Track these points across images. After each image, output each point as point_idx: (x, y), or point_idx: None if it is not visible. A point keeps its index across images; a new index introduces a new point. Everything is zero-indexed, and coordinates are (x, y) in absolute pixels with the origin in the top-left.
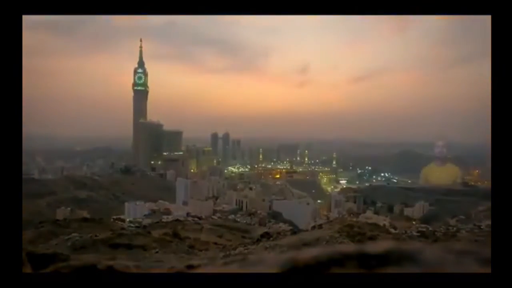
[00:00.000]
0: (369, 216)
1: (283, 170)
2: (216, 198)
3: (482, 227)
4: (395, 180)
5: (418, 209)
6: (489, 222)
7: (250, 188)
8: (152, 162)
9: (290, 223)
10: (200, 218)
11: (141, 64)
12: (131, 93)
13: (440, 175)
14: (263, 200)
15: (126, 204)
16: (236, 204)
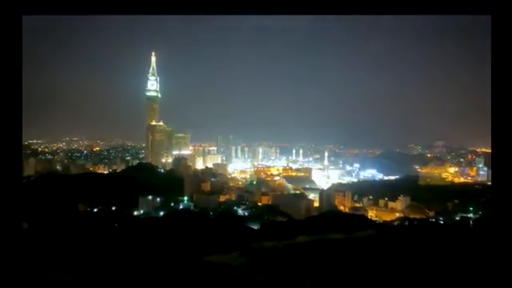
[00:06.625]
0: (357, 208)
1: (280, 167)
2: (220, 192)
3: (457, 218)
4: (380, 176)
5: (400, 202)
6: (463, 214)
7: (251, 183)
8: (163, 160)
9: (287, 215)
10: (206, 210)
11: (153, 72)
12: (144, 98)
13: (439, 174)
14: (262, 194)
15: (139, 198)
16: (239, 198)
